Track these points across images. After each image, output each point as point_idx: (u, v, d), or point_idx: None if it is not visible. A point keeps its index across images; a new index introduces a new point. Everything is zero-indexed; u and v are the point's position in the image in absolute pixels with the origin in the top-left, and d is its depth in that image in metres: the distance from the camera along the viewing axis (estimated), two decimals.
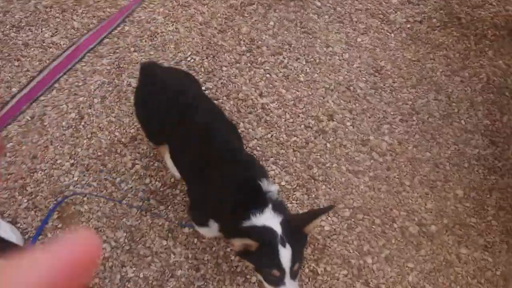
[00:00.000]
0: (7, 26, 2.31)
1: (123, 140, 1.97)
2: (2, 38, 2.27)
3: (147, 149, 1.93)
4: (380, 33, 2.23)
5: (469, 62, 2.14)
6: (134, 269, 1.72)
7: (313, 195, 1.80)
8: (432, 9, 2.31)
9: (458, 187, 1.86)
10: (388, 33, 2.24)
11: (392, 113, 2.00)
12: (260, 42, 2.22)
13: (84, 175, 1.90)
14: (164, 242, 1.76)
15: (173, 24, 2.31)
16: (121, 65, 2.18)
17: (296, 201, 1.80)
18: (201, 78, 2.11)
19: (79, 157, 1.94)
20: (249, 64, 2.15)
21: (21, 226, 1.78)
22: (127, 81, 2.11)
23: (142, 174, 1.87)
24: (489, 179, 1.88)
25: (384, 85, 2.07)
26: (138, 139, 1.96)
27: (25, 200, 1.84)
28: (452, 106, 2.04)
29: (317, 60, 2.17)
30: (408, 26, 2.27)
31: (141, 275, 1.71)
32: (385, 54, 2.17)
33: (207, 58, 2.19)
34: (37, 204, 1.84)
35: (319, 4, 2.37)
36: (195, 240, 1.74)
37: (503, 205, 1.82)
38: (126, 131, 1.99)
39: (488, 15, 2.26)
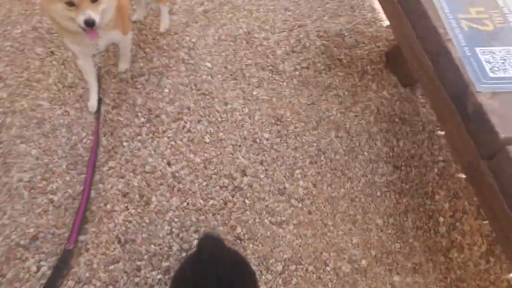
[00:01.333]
0: None
1: (22, 242, 1.82)
2: None
3: (52, 246, 1.76)
4: (273, 84, 2.37)
5: (358, 97, 2.35)
6: None
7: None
8: (314, 55, 2.53)
9: (376, 216, 1.97)
10: (281, 82, 2.39)
11: (301, 157, 2.10)
12: (158, 111, 2.23)
13: None
14: None
15: (61, 107, 2.22)
16: (7, 161, 2.02)
17: None
18: (101, 158, 2.03)
19: None
20: (151, 135, 2.14)
21: None
22: (18, 177, 1.95)
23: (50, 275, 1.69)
24: (401, 202, 2.02)
25: (287, 132, 2.18)
26: (40, 238, 1.82)
27: None
28: (353, 141, 2.19)
29: (219, 119, 2.23)
30: (297, 73, 2.45)
31: None
32: (282, 102, 2.31)
33: (104, 136, 2.13)
34: None
35: (209, 65, 2.47)
36: None
37: (419, 225, 1.96)
38: (24, 232, 1.85)
39: (364, 52, 2.53)
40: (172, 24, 2.67)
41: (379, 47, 2.62)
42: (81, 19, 1.55)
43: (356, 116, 2.35)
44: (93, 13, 1.54)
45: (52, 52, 2.52)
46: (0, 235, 1.84)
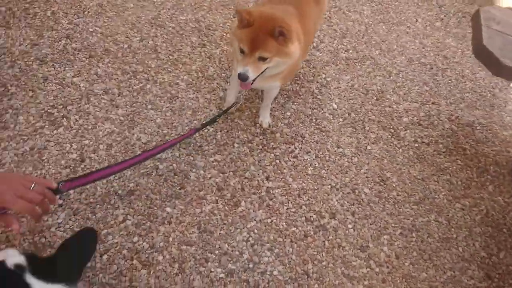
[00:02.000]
0: (32, 58, 2.41)
1: (119, 192, 1.97)
2: (23, 68, 2.35)
3: (142, 206, 1.91)
4: (389, 146, 2.39)
5: (470, 191, 2.28)
6: None
7: None
8: (439, 135, 2.51)
9: None
10: (397, 148, 2.40)
11: (393, 225, 2.07)
12: (274, 128, 2.35)
13: (70, 219, 1.87)
14: None
15: (194, 93, 2.43)
16: (135, 119, 2.25)
17: None
18: (211, 149, 2.18)
19: (69, 199, 1.92)
20: (260, 146, 2.25)
21: None
22: (137, 136, 2.16)
23: (131, 231, 1.86)
24: None
25: (388, 196, 2.17)
26: (135, 194, 1.95)
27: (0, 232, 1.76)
28: (451, 232, 2.12)
29: (327, 158, 2.28)
30: (416, 145, 2.44)
31: None
32: (391, 166, 2.30)
33: (220, 131, 2.28)
34: (11, 239, 1.76)
35: (335, 106, 2.56)
36: None
37: None
38: (125, 184, 2.00)
39: (491, 152, 2.46)
40: (314, 59, 2.83)
41: (509, 152, 2.53)
42: (238, 70, 1.65)
43: (462, 209, 2.27)
44: (251, 71, 1.62)
45: (204, 44, 2.79)
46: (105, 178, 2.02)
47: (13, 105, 2.23)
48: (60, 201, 1.93)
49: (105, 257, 1.81)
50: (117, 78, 2.49)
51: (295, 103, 2.60)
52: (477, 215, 2.27)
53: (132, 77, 2.51)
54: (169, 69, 2.63)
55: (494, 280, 2.06)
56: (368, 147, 2.44)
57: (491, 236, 2.20)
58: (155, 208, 2.00)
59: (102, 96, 2.37)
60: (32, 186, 1.17)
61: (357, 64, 2.95)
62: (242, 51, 1.62)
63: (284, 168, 2.25)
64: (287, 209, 2.11)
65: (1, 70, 2.37)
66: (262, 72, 1.69)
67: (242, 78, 1.64)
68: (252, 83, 1.85)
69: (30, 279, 1.03)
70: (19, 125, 2.17)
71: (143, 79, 2.52)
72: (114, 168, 1.82)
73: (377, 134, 2.51)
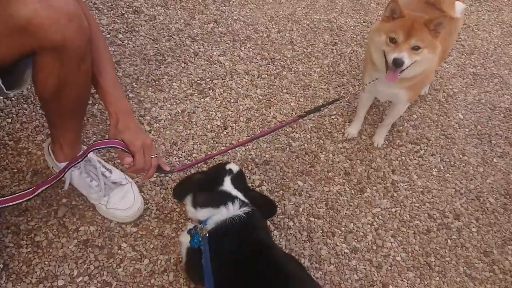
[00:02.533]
0: (185, 35, 2.70)
1: (256, 160, 2.14)
2: (178, 42, 2.64)
3: (276, 176, 2.07)
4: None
5: None
6: None
7: (425, 282, 1.84)
8: None
9: None
10: None
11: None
12: (401, 127, 2.42)
13: None
14: None
15: (325, 84, 2.58)
16: (271, 100, 2.44)
17: (407, 280, 1.82)
18: (340, 136, 2.34)
19: (213, 159, 2.10)
20: (386, 142, 2.33)
21: (144, 196, 1.92)
22: (273, 114, 2.35)
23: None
24: None
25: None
26: (270, 165, 2.11)
27: (155, 176, 1.99)
28: None
29: (452, 163, 2.31)
30: None
31: None
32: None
33: (349, 122, 2.39)
34: (164, 183, 1.98)
35: (461, 117, 2.59)
36: None
37: None
38: (261, 154, 2.17)
39: None
40: (441, 69, 2.88)
41: None
42: (392, 56, 1.62)
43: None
44: (407, 56, 1.61)
45: (335, 43, 2.95)
46: (244, 146, 2.21)
47: (168, 72, 2.53)
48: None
49: None
50: (257, 62, 2.72)
51: (421, 108, 2.66)
52: None
53: (270, 63, 2.73)
54: (303, 61, 2.81)
55: None
56: (494, 160, 2.44)
57: None
58: (287, 180, 2.16)
59: (243, 76, 2.60)
60: (154, 155, 1.36)
61: (484, 81, 2.95)
62: (393, 41, 1.63)
63: (409, 165, 2.32)
64: (411, 203, 2.17)
65: (160, 42, 2.69)
66: (406, 68, 1.71)
67: (398, 63, 1.60)
68: (397, 79, 1.72)
69: (227, 179, 1.46)
70: (173, 90, 2.45)
71: (279, 66, 2.72)
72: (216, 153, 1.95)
73: (504, 149, 2.50)
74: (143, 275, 1.72)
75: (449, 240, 2.06)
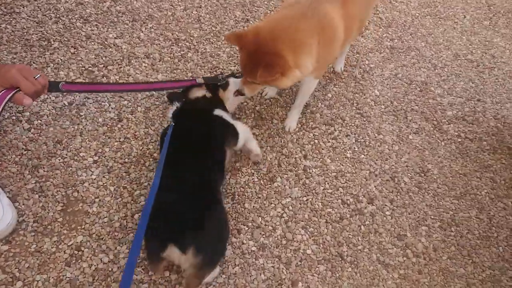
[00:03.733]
0: (76, 16, 2.37)
1: (155, 155, 1.91)
2: (67, 25, 2.30)
3: None
4: (431, 138, 2.28)
5: None
6: None
7: (337, 274, 1.70)
8: (484, 132, 2.39)
9: None
10: (439, 141, 2.29)
11: (432, 217, 1.96)
12: (314, 108, 2.25)
13: (104, 176, 1.80)
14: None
15: (235, 65, 2.35)
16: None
17: (318, 274, 1.67)
18: (250, 122, 2.10)
19: (104, 156, 1.86)
20: (299, 125, 2.15)
21: (18, 206, 1.63)
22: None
23: None
24: None
25: (428, 187, 2.06)
26: None
27: (33, 181, 1.73)
28: (492, 230, 2.00)
29: (367, 143, 2.18)
30: (459, 140, 2.32)
31: None
32: (433, 158, 2.19)
33: (260, 105, 2.19)
34: (44, 189, 1.72)
35: (378, 93, 2.45)
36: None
37: None
38: (159, 148, 1.92)
39: None
40: (357, 44, 2.73)
41: None
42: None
43: (504, 209, 2.14)
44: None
45: (247, 19, 2.72)
46: (141, 140, 2.02)
47: (55, 59, 2.19)
48: (96, 158, 1.87)
49: (136, 216, 1.74)
50: (159, 44, 2.43)
51: (337, 86, 2.50)
52: None
53: (173, 44, 2.45)
54: (211, 40, 2.55)
55: None
56: (410, 137, 2.33)
57: None
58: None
59: (143, 60, 2.31)
60: (37, 75, 1.44)
61: (401, 54, 2.84)
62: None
63: (323, 149, 2.16)
64: (323, 189, 2.01)
65: (45, 24, 2.33)
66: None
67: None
68: None
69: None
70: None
71: (184, 47, 2.45)
72: (113, 87, 2.06)
73: (420, 125, 2.40)
74: None
75: (362, 227, 1.92)
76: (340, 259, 1.81)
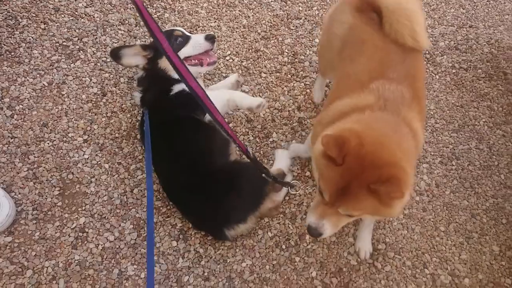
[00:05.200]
0: None
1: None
2: None
3: None
4: (426, 73, 2.20)
5: (511, 118, 2.11)
6: (135, 267, 1.54)
7: None
8: (478, 59, 2.32)
9: (494, 242, 1.78)
10: (433, 74, 2.22)
11: (432, 153, 1.94)
12: (303, 57, 2.17)
13: (97, 155, 1.76)
14: (174, 243, 1.62)
15: (215, 21, 2.23)
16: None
17: None
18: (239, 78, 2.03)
19: (94, 134, 1.81)
20: (289, 76, 2.09)
21: (15, 196, 1.60)
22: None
23: None
24: None
25: (426, 124, 2.02)
26: None
27: (26, 169, 1.68)
28: (493, 159, 1.99)
29: None
30: (454, 71, 2.26)
31: (142, 275, 1.53)
32: (428, 93, 2.15)
33: (246, 60, 2.11)
34: (38, 176, 1.68)
35: None
36: (209, 247, 1.57)
37: None
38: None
39: None
40: None
41: None
42: (309, 218, 1.15)
43: (504, 136, 2.12)
44: (328, 226, 1.12)
45: None
46: (129, 112, 1.97)
47: (25, 38, 2.08)
48: (85, 136, 1.81)
49: (135, 191, 1.72)
50: (133, 8, 2.29)
51: None
52: None
53: (148, 5, 2.32)
54: None
55: None
56: None
57: None
58: None
59: (119, 27, 2.20)
60: None
61: None
62: (321, 193, 1.07)
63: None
64: None
65: (9, 1, 2.18)
66: None
67: (312, 233, 1.14)
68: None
69: None
70: (34, 59, 2.02)
71: (160, 7, 2.32)
72: None
73: None
74: None
75: None
76: None
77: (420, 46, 1.32)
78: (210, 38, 1.70)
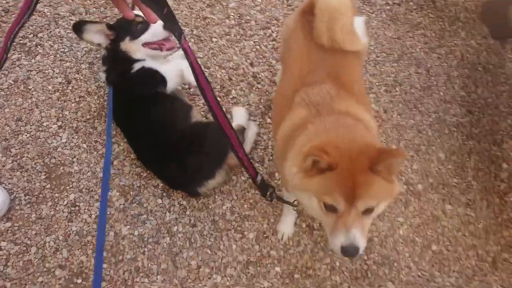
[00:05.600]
0: None
1: None
2: None
3: None
4: (362, 13, 2.42)
5: (444, 41, 2.36)
6: (128, 227, 1.75)
7: None
8: None
9: (440, 150, 2.03)
10: (370, 13, 2.43)
11: (377, 84, 2.17)
12: (248, 17, 2.34)
13: (73, 137, 1.93)
14: (159, 201, 1.81)
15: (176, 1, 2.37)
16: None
17: None
18: (191, 46, 2.18)
19: (67, 120, 1.96)
20: (238, 36, 2.27)
21: (6, 187, 1.77)
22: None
23: None
24: (467, 144, 2.07)
25: (368, 59, 2.25)
26: None
27: (10, 161, 1.84)
28: (431, 80, 2.23)
29: None
30: (388, 7, 2.47)
31: (136, 233, 1.75)
32: (367, 32, 2.35)
33: (196, 29, 2.27)
34: (23, 165, 1.85)
35: None
36: (191, 199, 1.82)
37: (481, 167, 2.01)
38: None
39: (460, 0, 2.49)
40: None
41: None
42: (337, 241, 0.99)
43: (439, 58, 2.36)
44: (360, 235, 0.98)
45: None
46: (96, 94, 2.08)
47: None
48: (59, 123, 1.97)
49: (115, 162, 1.90)
50: None
51: None
52: (453, 60, 2.37)
53: None
54: None
55: (474, 113, 2.22)
56: None
57: (468, 76, 2.33)
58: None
59: (70, 18, 2.32)
60: None
61: None
62: (332, 208, 0.99)
63: (266, 52, 2.29)
64: (276, 88, 2.17)
65: None
66: None
67: (350, 251, 0.98)
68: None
69: None
70: None
71: None
72: None
73: None
74: (35, 264, 1.65)
75: None
76: None
77: (341, 46, 1.26)
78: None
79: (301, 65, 1.32)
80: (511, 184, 2.00)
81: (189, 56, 1.00)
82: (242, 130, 1.85)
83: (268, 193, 1.33)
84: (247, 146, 1.87)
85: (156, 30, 1.82)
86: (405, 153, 0.96)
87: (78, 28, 1.72)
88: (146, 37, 1.83)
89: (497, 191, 1.98)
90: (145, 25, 1.82)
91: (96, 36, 1.78)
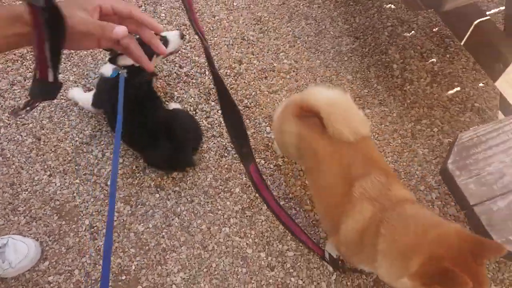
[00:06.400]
0: None
1: (84, 140, 2.41)
2: None
3: (108, 140, 2.40)
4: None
5: None
6: (142, 224, 2.19)
7: (253, 123, 2.43)
8: None
9: (347, 74, 2.64)
10: None
11: (282, 44, 2.73)
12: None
13: (65, 179, 2.31)
14: (157, 195, 2.26)
15: None
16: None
17: None
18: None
19: (52, 168, 2.34)
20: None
21: (29, 237, 2.14)
22: (63, 97, 2.54)
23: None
24: (364, 61, 2.69)
25: (267, 28, 2.80)
26: (96, 135, 2.42)
27: (22, 218, 2.20)
28: (320, 25, 2.83)
29: (211, 28, 2.83)
30: None
31: (150, 225, 2.19)
32: (258, 7, 2.91)
33: (160, 6, 2.70)
34: (34, 216, 2.21)
35: None
36: (181, 183, 2.29)
37: (379, 74, 2.65)
38: (83, 133, 2.44)
39: None
40: None
41: None
42: None
43: (319, 6, 2.97)
44: None
45: None
46: (66, 139, 2.44)
47: None
48: (48, 173, 2.34)
49: (108, 182, 2.31)
50: None
51: (163, 4, 3.03)
52: (330, 4, 2.98)
53: None
54: None
55: (360, 38, 2.85)
56: (235, 3, 2.99)
57: (345, 12, 2.95)
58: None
59: (13, 88, 2.66)
60: None
61: None
62: None
63: (187, 53, 2.77)
64: (208, 78, 2.67)
65: None
66: None
67: None
68: None
69: None
70: None
71: None
72: None
73: None
74: (83, 282, 2.04)
75: (245, 81, 2.64)
76: (247, 108, 2.55)
77: (362, 134, 1.37)
78: (182, 37, 2.20)
79: (337, 161, 1.35)
80: (404, 77, 2.65)
81: None
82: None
83: (339, 263, 1.51)
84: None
85: (176, 42, 2.20)
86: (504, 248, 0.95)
87: (114, 59, 1.98)
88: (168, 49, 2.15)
89: (397, 86, 2.62)
90: (163, 40, 2.15)
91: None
